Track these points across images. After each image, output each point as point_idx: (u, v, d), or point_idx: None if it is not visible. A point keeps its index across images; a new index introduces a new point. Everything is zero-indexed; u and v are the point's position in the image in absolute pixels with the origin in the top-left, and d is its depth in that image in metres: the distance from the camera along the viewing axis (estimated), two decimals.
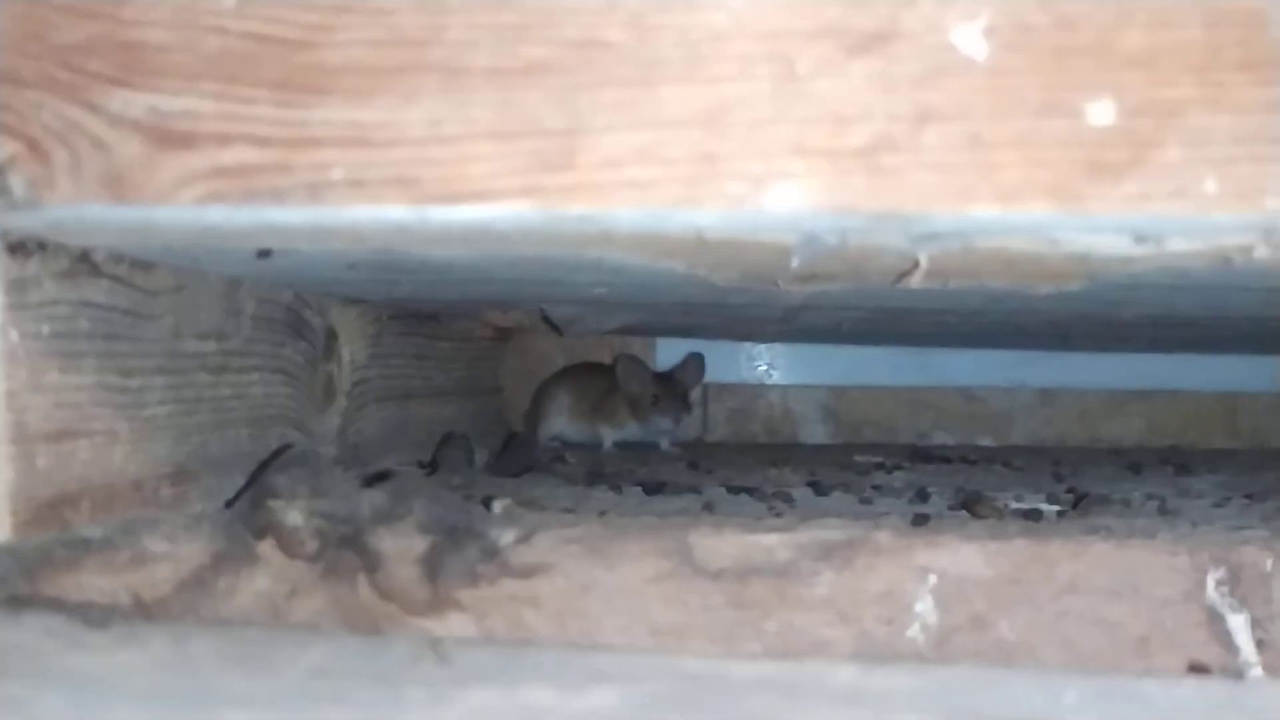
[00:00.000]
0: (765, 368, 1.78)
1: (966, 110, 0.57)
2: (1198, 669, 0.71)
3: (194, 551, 0.79)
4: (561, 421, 1.63)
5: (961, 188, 0.57)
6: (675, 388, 1.59)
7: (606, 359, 1.68)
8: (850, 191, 0.58)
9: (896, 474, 1.38)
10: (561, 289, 1.00)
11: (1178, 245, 0.64)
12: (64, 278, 0.72)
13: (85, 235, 0.70)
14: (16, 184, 0.60)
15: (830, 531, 0.80)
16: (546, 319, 1.31)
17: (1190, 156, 0.56)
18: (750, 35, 0.58)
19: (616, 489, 1.10)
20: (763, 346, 1.77)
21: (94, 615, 0.57)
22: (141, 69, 0.59)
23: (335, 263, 0.82)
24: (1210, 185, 0.57)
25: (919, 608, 0.79)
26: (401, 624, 0.79)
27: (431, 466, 1.20)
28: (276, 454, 0.88)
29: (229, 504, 0.86)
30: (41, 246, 0.70)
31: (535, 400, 1.65)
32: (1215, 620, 0.78)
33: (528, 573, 0.79)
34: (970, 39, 0.57)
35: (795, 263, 0.73)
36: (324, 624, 0.79)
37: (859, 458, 1.52)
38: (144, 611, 0.78)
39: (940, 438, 1.76)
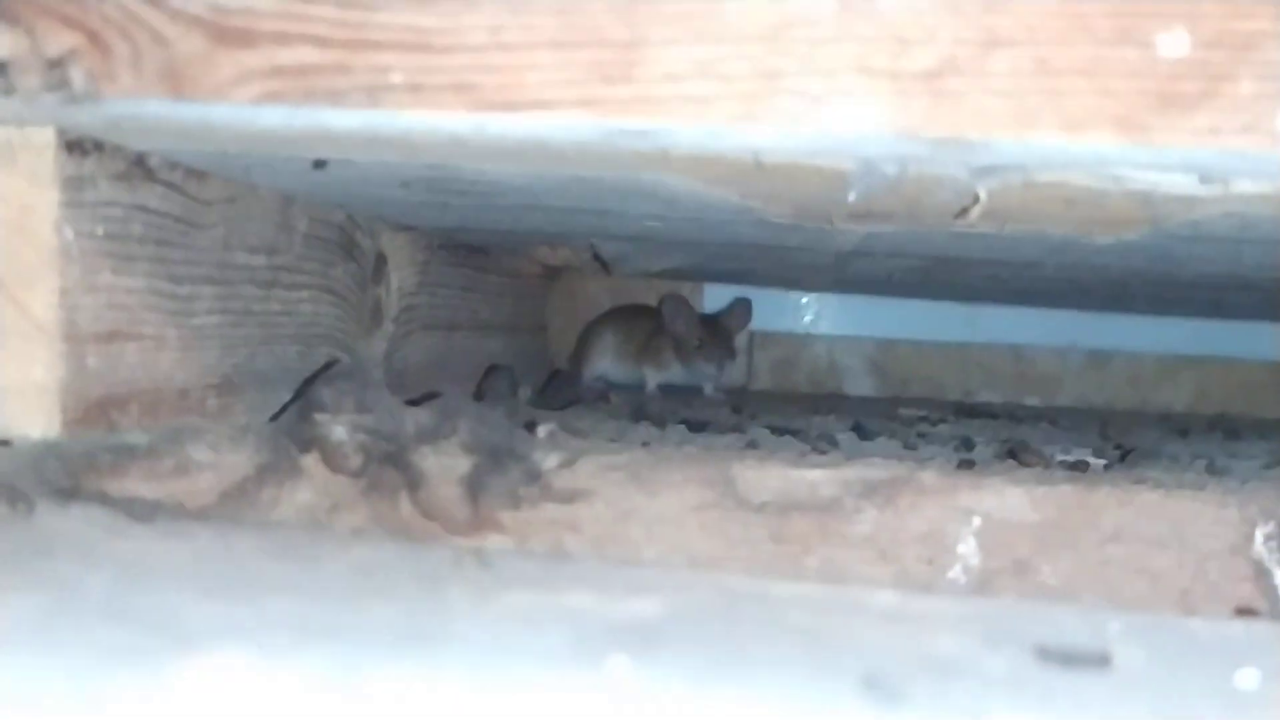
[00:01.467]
0: (812, 318, 1.77)
1: (1034, 35, 0.56)
2: (1244, 612, 0.70)
3: (238, 462, 0.79)
4: (606, 361, 1.63)
5: (1026, 114, 0.56)
6: (720, 332, 1.59)
7: (653, 302, 1.67)
8: (912, 114, 0.57)
9: (941, 426, 1.37)
10: (612, 220, 1.00)
11: (1244, 186, 0.63)
12: (119, 180, 0.72)
13: (142, 137, 0.70)
14: (76, 76, 0.60)
15: (875, 470, 0.80)
16: (596, 255, 1.31)
17: (1263, 91, 0.55)
18: None
19: (660, 425, 1.10)
20: (810, 296, 1.76)
21: (139, 509, 0.57)
22: None
23: (388, 179, 0.81)
24: None
25: (961, 549, 0.78)
26: (442, 543, 0.79)
27: (476, 396, 1.20)
28: (324, 369, 0.88)
29: (275, 416, 0.87)
30: (98, 147, 0.70)
31: (581, 339, 1.65)
32: (1262, 574, 0.77)
33: (569, 497, 0.79)
34: None
35: (852, 196, 0.73)
36: None
37: (904, 410, 1.51)
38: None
39: (987, 395, 1.75)
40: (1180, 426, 1.50)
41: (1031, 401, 1.74)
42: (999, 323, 1.72)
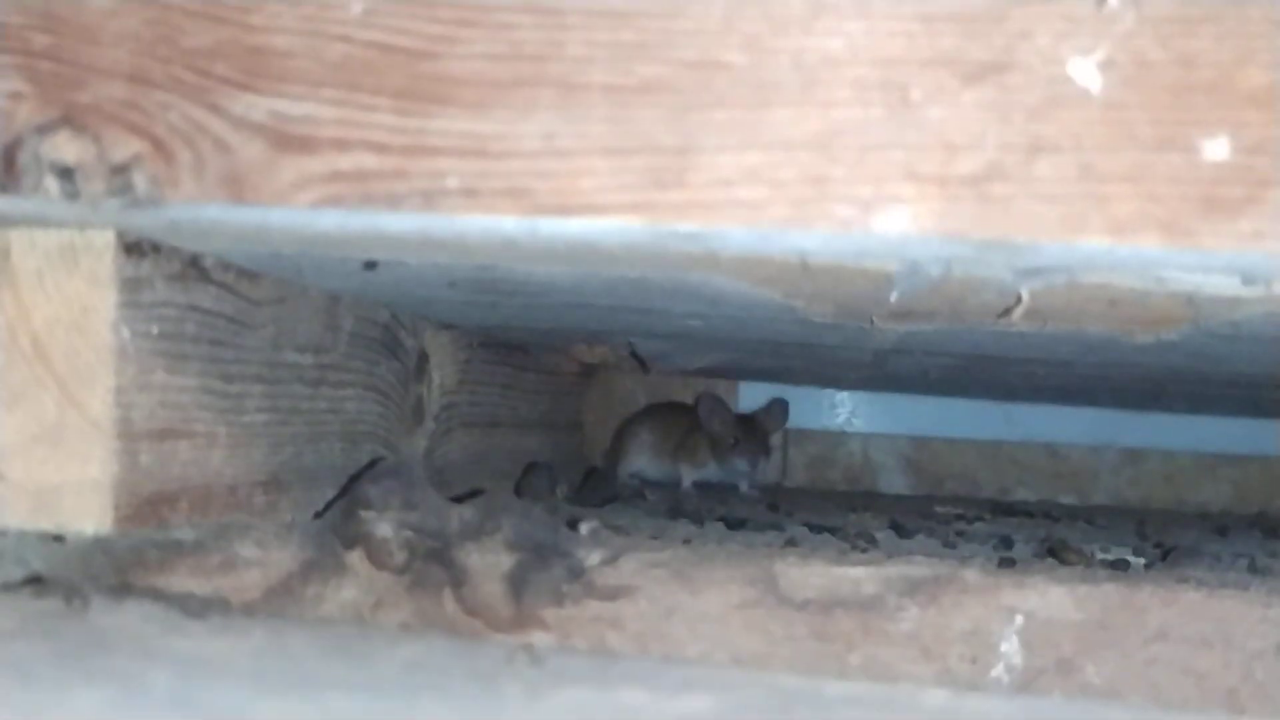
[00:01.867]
0: (847, 415, 1.78)
1: (1079, 142, 0.57)
2: None
3: (284, 558, 0.80)
4: (643, 459, 1.63)
5: (1071, 218, 0.57)
6: (756, 431, 1.59)
7: (689, 399, 1.68)
8: (959, 219, 0.58)
9: (978, 524, 1.37)
10: (654, 319, 1.01)
11: None
12: (175, 280, 0.73)
13: (198, 239, 0.71)
14: (140, 181, 0.62)
15: (917, 568, 0.80)
16: (634, 353, 1.32)
17: None
18: (865, 61, 0.58)
19: (698, 522, 1.10)
20: (845, 394, 1.76)
21: (192, 605, 0.58)
22: (266, 74, 0.61)
23: (437, 279, 0.83)
24: None
25: (1004, 648, 0.78)
26: (486, 640, 0.80)
27: (516, 493, 1.21)
28: (370, 465, 0.89)
29: (320, 513, 0.87)
30: (156, 249, 0.71)
31: (617, 436, 1.65)
32: None
33: (612, 594, 0.80)
34: (1086, 72, 0.57)
35: (895, 295, 0.74)
36: None
37: (940, 508, 1.51)
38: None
39: (1022, 493, 1.75)
40: (1219, 525, 1.50)
41: (1067, 499, 1.74)
42: (1034, 420, 1.72)
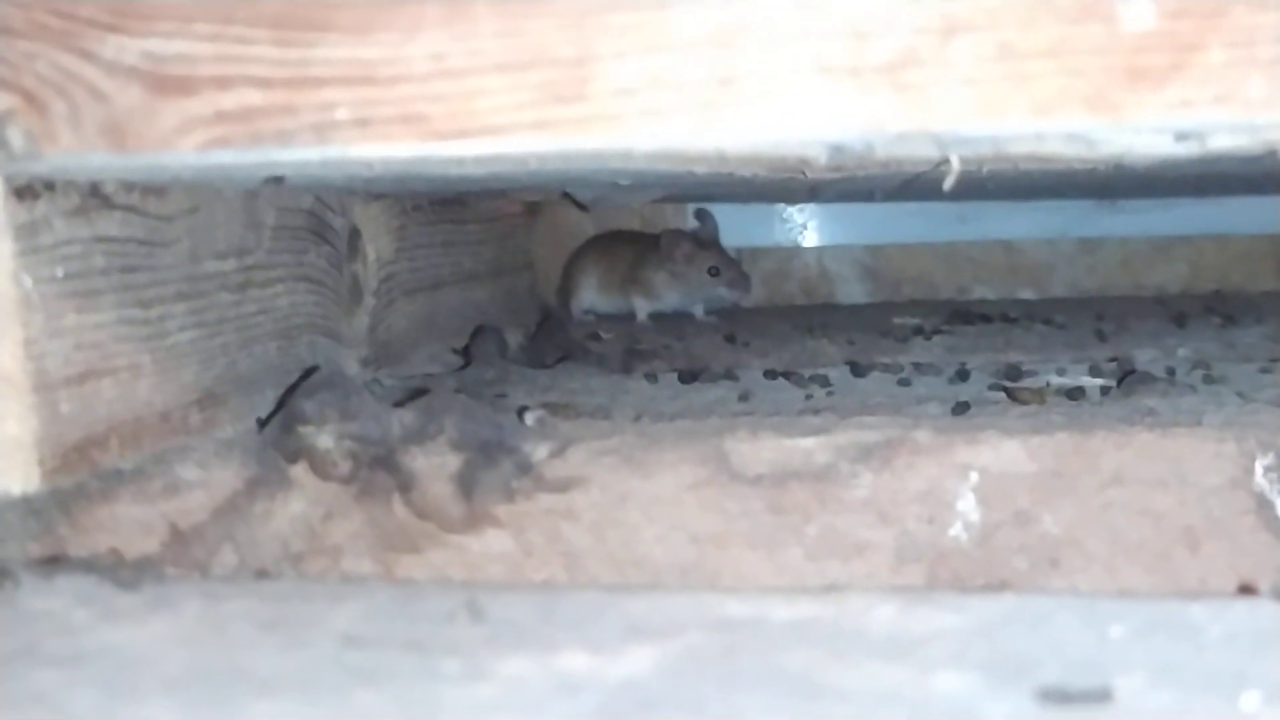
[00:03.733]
0: (800, 229, 1.76)
1: (995, 19, 0.54)
2: (1246, 590, 0.70)
3: (227, 477, 0.79)
4: (592, 294, 1.61)
5: (992, 101, 0.55)
6: (727, 255, 1.57)
7: (638, 226, 1.65)
8: (875, 110, 0.55)
9: (936, 339, 1.36)
10: (584, 180, 0.98)
11: (1222, 142, 0.61)
12: (74, 215, 0.70)
13: (93, 173, 0.68)
14: (15, 137, 0.59)
15: (868, 432, 0.79)
16: (570, 198, 1.29)
17: (1234, 58, 0.54)
18: None
19: (652, 378, 1.09)
20: (796, 208, 1.74)
21: (124, 575, 0.56)
22: (134, 13, 0.57)
23: (350, 176, 0.80)
24: (1256, 87, 0.54)
25: (961, 505, 0.78)
26: (439, 542, 0.79)
27: (465, 359, 1.19)
28: (304, 376, 0.87)
29: (263, 423, 0.86)
30: (49, 187, 0.68)
31: (565, 273, 1.63)
32: (1264, 507, 0.77)
33: (563, 486, 0.79)
34: None
35: (823, 162, 0.71)
36: (361, 545, 0.79)
37: (898, 320, 1.50)
38: (180, 542, 0.78)
39: (980, 292, 1.74)
40: (1176, 313, 1.49)
41: (1025, 294, 1.73)
42: (989, 218, 1.70)
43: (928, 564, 0.78)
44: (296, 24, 0.57)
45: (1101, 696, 0.42)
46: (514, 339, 1.33)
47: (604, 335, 1.44)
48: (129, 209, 0.75)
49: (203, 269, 0.83)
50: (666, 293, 1.56)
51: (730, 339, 1.39)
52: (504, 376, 1.11)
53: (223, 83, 0.57)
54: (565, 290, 1.62)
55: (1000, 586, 0.78)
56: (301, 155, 0.59)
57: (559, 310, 1.62)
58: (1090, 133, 0.57)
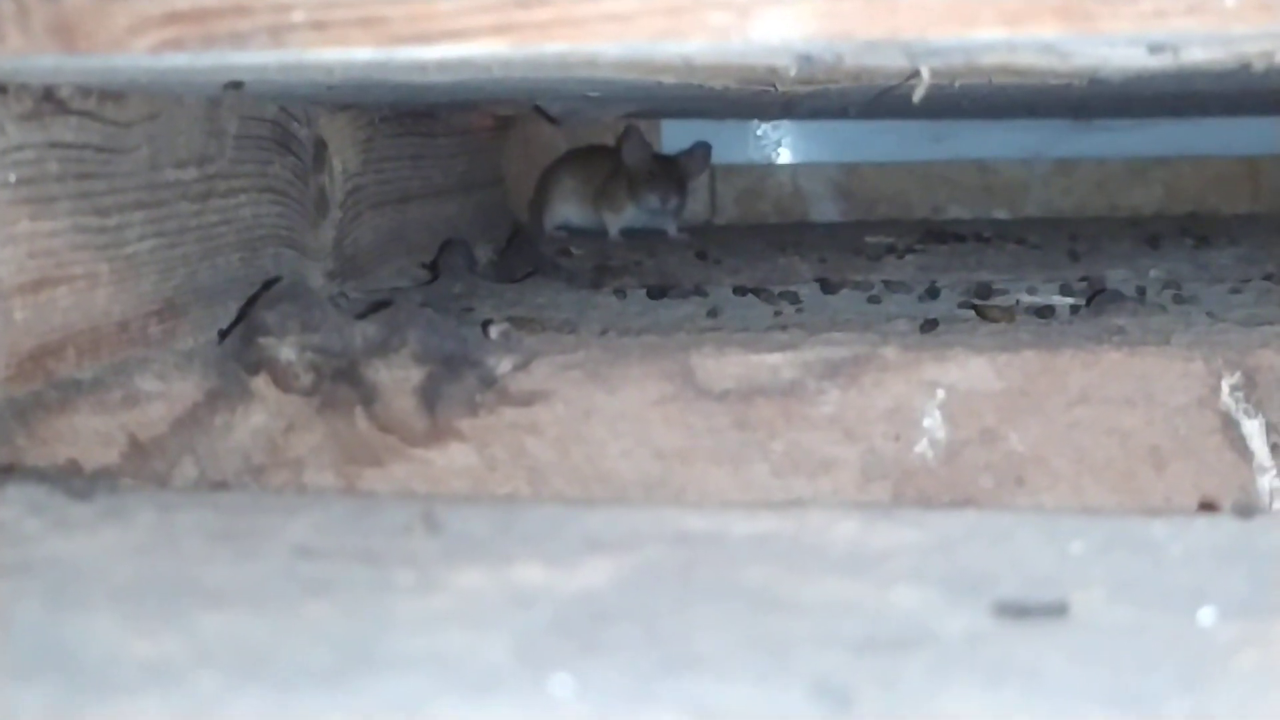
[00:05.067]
0: (774, 147, 1.74)
1: None
2: (1207, 507, 0.70)
3: (187, 389, 0.78)
4: (566, 208, 1.60)
5: (962, 10, 0.54)
6: (674, 170, 1.56)
7: (611, 142, 1.64)
8: (842, 18, 0.54)
9: (908, 258, 1.35)
10: (553, 91, 0.97)
11: (1195, 54, 0.60)
12: (28, 119, 0.69)
13: (46, 75, 0.66)
14: None
15: (835, 349, 0.78)
16: (541, 112, 1.28)
17: None
18: None
19: (620, 294, 1.08)
20: (770, 125, 1.72)
21: (77, 485, 0.56)
22: None
23: (313, 84, 0.78)
24: None
25: (927, 423, 0.77)
26: (402, 455, 0.78)
27: (433, 274, 1.18)
28: (265, 287, 0.86)
29: (223, 335, 0.85)
30: (1, 89, 0.67)
31: (538, 188, 1.62)
32: (1230, 426, 0.77)
33: (527, 400, 0.78)
34: None
35: (792, 73, 0.70)
36: (323, 458, 0.78)
37: (870, 239, 1.49)
38: (140, 453, 0.77)
39: (954, 211, 1.73)
40: (1150, 234, 1.48)
41: (999, 214, 1.72)
42: (963, 138, 1.69)
43: (893, 481, 0.77)
44: None
45: (1058, 611, 0.42)
46: (483, 254, 1.32)
47: (574, 251, 1.43)
48: (85, 114, 0.73)
49: (162, 177, 0.81)
50: (626, 204, 1.55)
51: (701, 256, 1.38)
52: (471, 291, 1.10)
53: None
54: (538, 204, 1.61)
55: (965, 504, 0.78)
56: (257, 59, 0.57)
57: (531, 225, 1.61)
58: (1062, 44, 0.56)
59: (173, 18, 0.56)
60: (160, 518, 0.53)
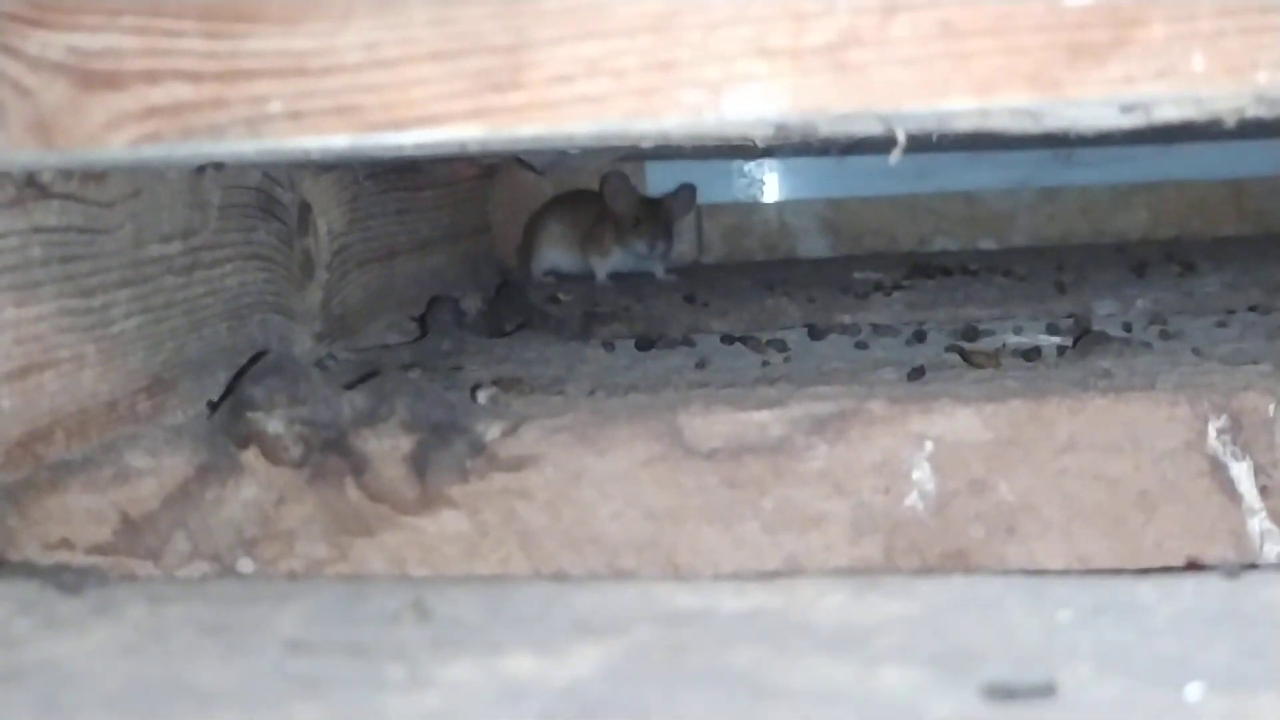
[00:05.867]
0: (760, 184, 1.75)
1: None
2: (1194, 566, 0.70)
3: (177, 464, 0.78)
4: (553, 254, 1.61)
5: (934, 81, 0.54)
6: (660, 213, 1.56)
7: (596, 186, 1.64)
8: (815, 92, 0.54)
9: (896, 295, 1.36)
10: (532, 152, 0.97)
11: (1167, 112, 0.60)
12: (10, 207, 0.69)
13: (28, 163, 0.67)
14: None
15: (822, 404, 0.79)
16: (523, 162, 1.28)
17: (1176, 33, 0.53)
18: None
19: (609, 346, 1.08)
20: (754, 163, 1.73)
21: (68, 579, 0.56)
22: (57, 6, 0.56)
23: (295, 157, 0.79)
24: (1198, 62, 0.53)
25: (916, 475, 0.78)
26: (394, 524, 0.78)
27: (422, 329, 1.18)
28: (251, 362, 0.86)
29: (214, 406, 0.85)
30: None
31: (525, 234, 1.62)
32: (1217, 469, 0.77)
33: (517, 465, 0.78)
34: None
35: (767, 137, 0.70)
36: (315, 529, 0.78)
37: (858, 275, 1.50)
38: (132, 530, 0.77)
39: (941, 243, 1.73)
40: (1136, 260, 1.49)
41: (986, 244, 1.72)
42: (949, 170, 1.70)
43: (884, 535, 0.78)
44: (225, 15, 0.55)
45: (1046, 691, 0.42)
46: (472, 305, 1.33)
47: (562, 298, 1.43)
48: (67, 197, 0.74)
49: (147, 253, 0.82)
50: (613, 247, 1.55)
51: (689, 299, 1.38)
52: (460, 347, 1.10)
53: (152, 77, 0.56)
54: (525, 251, 1.62)
55: (957, 555, 0.78)
56: (235, 148, 0.58)
57: (519, 272, 1.61)
58: (1034, 109, 0.56)
59: (150, 112, 0.56)
60: (150, 611, 0.53)
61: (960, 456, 0.77)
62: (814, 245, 1.74)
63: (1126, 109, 0.60)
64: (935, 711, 0.41)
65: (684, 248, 1.68)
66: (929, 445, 0.78)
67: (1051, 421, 0.77)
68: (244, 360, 0.89)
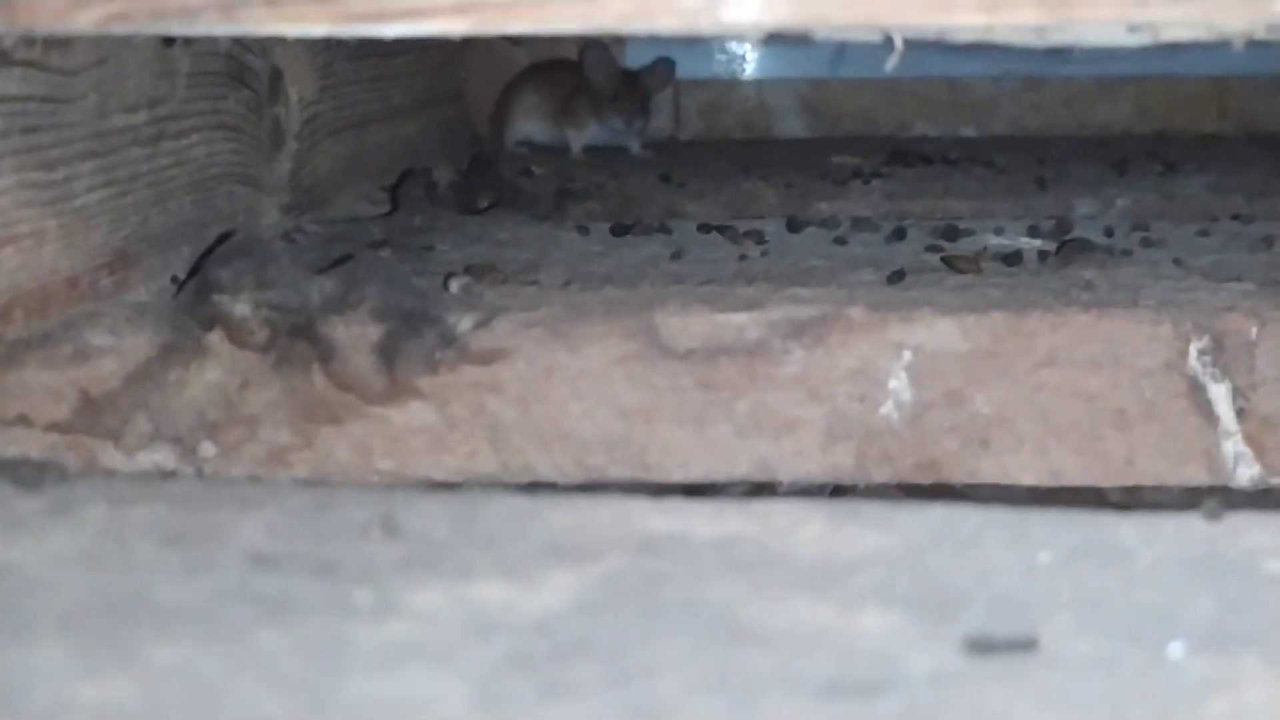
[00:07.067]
0: (739, 62, 1.71)
1: None
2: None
3: (139, 344, 0.76)
4: (528, 124, 1.58)
5: None
6: (637, 88, 1.53)
7: (575, 56, 1.60)
8: (817, 3, 0.52)
9: (875, 184, 1.34)
10: None
11: (1175, 33, 0.59)
12: None
13: None
14: None
15: (801, 307, 0.77)
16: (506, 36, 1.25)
17: None
18: None
19: (583, 230, 1.06)
20: (735, 40, 1.69)
21: (26, 474, 0.54)
22: None
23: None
24: None
25: (893, 384, 0.77)
26: (360, 413, 0.77)
27: (392, 202, 1.16)
28: (218, 242, 0.84)
29: (180, 284, 0.83)
30: None
31: (500, 103, 1.59)
32: (1196, 390, 0.76)
33: (488, 358, 0.77)
34: None
35: (758, 37, 0.68)
36: (279, 416, 0.77)
37: (836, 159, 1.48)
38: (92, 410, 0.76)
39: (922, 128, 1.71)
40: (1118, 156, 1.47)
41: (967, 131, 1.70)
42: (932, 54, 1.66)
43: (857, 442, 0.77)
44: None
45: (1027, 645, 0.41)
46: (444, 176, 1.30)
47: (536, 171, 1.41)
48: (29, 64, 0.71)
49: (111, 123, 0.79)
50: (589, 120, 1.52)
51: (665, 179, 1.36)
52: (431, 223, 1.08)
53: None
54: (499, 119, 1.58)
55: (930, 466, 0.77)
56: (207, 31, 0.55)
57: (492, 142, 1.58)
58: (1041, 30, 0.54)
59: None
60: (111, 513, 0.52)
61: (938, 367, 0.76)
62: (792, 125, 1.71)
63: (1133, 29, 0.58)
64: (917, 664, 0.40)
65: (661, 123, 1.65)
66: (907, 355, 0.76)
67: (1032, 335, 0.76)
68: (210, 235, 0.87)
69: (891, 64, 0.65)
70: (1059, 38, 0.58)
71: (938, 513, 0.53)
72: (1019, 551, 0.49)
